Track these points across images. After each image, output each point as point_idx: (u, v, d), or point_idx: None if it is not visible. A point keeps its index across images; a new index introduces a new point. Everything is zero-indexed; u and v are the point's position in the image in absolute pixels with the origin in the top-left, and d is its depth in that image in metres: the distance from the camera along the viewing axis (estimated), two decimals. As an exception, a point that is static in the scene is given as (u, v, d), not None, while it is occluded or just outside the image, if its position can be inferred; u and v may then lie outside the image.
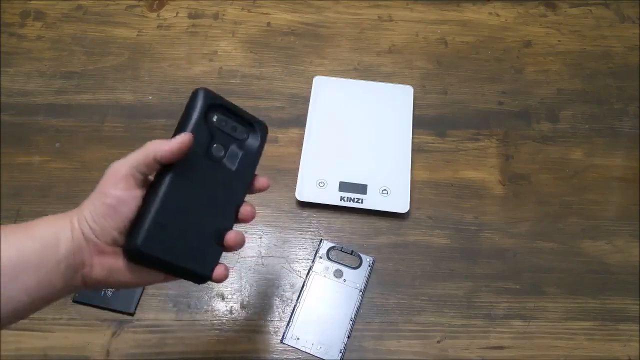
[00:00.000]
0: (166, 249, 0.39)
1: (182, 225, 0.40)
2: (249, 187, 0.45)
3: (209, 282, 0.42)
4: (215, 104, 0.43)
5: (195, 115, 0.42)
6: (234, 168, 0.43)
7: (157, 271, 0.40)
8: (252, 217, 0.44)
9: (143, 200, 0.39)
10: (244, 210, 0.43)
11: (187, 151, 0.40)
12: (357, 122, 0.69)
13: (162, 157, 0.39)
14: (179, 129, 0.41)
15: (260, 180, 0.46)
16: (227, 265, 0.42)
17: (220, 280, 0.42)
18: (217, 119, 0.43)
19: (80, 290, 0.42)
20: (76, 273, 0.38)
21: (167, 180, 0.39)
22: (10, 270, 0.36)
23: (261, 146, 0.45)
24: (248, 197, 0.44)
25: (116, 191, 0.38)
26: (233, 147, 0.44)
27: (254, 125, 0.45)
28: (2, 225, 0.38)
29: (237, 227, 0.43)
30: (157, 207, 0.39)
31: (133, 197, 0.39)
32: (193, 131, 0.41)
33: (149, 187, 0.40)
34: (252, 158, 0.44)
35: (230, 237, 0.42)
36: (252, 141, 0.45)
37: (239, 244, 0.43)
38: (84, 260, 0.38)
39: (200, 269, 0.41)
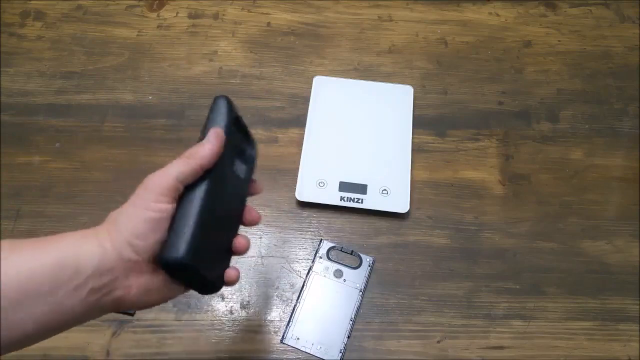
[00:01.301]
0: (200, 261, 0.38)
1: (208, 236, 0.39)
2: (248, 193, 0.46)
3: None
4: (236, 115, 0.43)
5: (225, 123, 0.42)
6: (242, 176, 0.44)
7: (181, 284, 0.39)
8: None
9: (180, 208, 0.38)
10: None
11: (222, 149, 0.40)
12: (357, 122, 0.69)
13: (208, 164, 0.39)
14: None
15: (259, 185, 0.47)
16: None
17: (233, 283, 0.43)
18: (234, 130, 0.43)
19: (109, 313, 0.38)
20: (105, 297, 0.35)
21: (203, 189, 0.39)
22: (14, 294, 0.32)
23: (256, 157, 0.46)
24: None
25: (161, 205, 0.37)
26: (240, 157, 0.45)
27: (251, 138, 0.46)
28: (10, 240, 0.34)
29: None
30: (197, 218, 0.38)
31: (173, 209, 0.37)
32: (226, 144, 0.41)
33: (184, 195, 0.38)
34: (251, 168, 0.46)
35: (239, 243, 0.43)
36: (251, 152, 0.46)
37: (247, 249, 0.43)
38: (116, 284, 0.36)
39: (217, 281, 0.42)
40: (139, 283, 0.37)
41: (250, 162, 0.45)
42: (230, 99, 0.43)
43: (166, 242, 0.37)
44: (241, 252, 0.43)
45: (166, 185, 0.37)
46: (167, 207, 0.37)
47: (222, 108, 0.42)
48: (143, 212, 0.36)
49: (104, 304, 0.36)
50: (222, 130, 0.41)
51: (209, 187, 0.39)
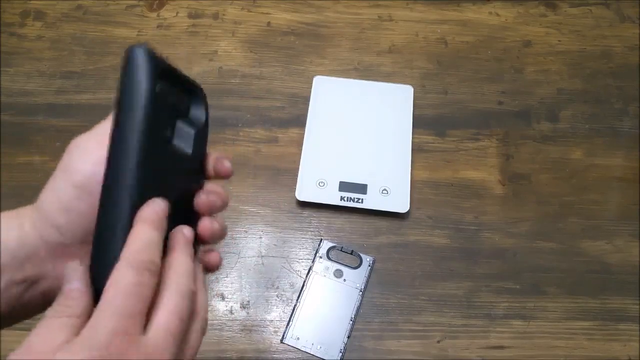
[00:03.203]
0: None
1: None
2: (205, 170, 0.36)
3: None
4: (163, 68, 0.32)
5: (144, 90, 0.30)
6: (190, 151, 0.34)
7: None
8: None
9: (104, 213, 0.29)
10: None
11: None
12: (357, 122, 0.69)
13: None
14: (124, 109, 0.30)
15: (224, 164, 0.36)
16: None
17: (215, 269, 0.36)
18: (161, 89, 0.32)
19: (40, 313, 0.31)
20: (29, 291, 0.30)
21: (130, 183, 0.30)
22: None
23: (207, 117, 0.36)
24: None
25: (87, 165, 0.30)
26: (180, 124, 0.34)
27: (196, 90, 0.36)
28: None
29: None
30: (126, 224, 0.29)
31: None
32: (148, 114, 0.30)
33: (105, 195, 0.30)
34: (202, 134, 0.35)
35: (204, 226, 0.34)
36: (197, 112, 0.36)
37: (216, 235, 0.35)
38: (41, 272, 0.30)
39: None
40: None
41: (198, 124, 0.35)
42: (151, 47, 0.31)
43: (92, 262, 0.29)
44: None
45: (96, 142, 0.30)
46: (98, 169, 0.30)
47: (138, 67, 0.30)
48: (64, 178, 0.30)
49: (31, 300, 0.30)
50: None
51: (139, 179, 0.30)
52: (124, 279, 0.27)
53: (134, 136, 0.30)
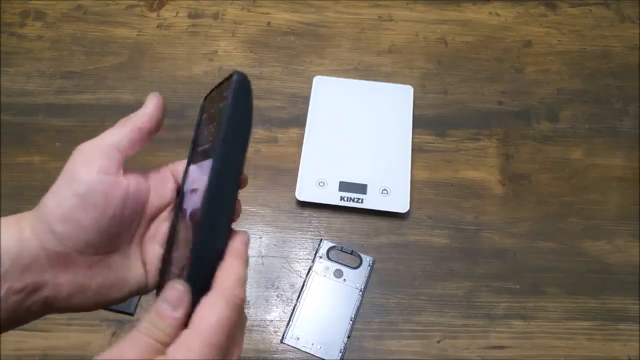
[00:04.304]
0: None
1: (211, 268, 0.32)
2: None
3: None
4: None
5: (250, 122, 0.31)
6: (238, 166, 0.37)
7: None
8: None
9: (203, 239, 0.29)
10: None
11: (163, 111, 0.33)
12: (357, 122, 0.69)
13: (147, 125, 0.32)
14: (231, 139, 0.30)
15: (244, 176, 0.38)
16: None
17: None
18: None
19: (39, 318, 0.31)
20: (29, 298, 0.29)
21: (227, 199, 0.30)
22: None
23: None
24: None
25: (91, 175, 0.30)
26: None
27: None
28: None
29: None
30: (221, 253, 0.31)
31: (114, 184, 0.30)
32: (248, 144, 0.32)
33: (205, 223, 0.29)
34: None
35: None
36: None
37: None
38: (42, 281, 0.29)
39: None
40: (70, 280, 0.30)
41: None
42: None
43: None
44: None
45: (97, 151, 0.30)
46: (101, 178, 0.30)
47: (247, 99, 0.30)
48: (71, 186, 0.30)
49: (31, 307, 0.30)
50: (157, 96, 0.33)
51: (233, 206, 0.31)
52: (218, 312, 0.27)
53: (237, 167, 0.30)
